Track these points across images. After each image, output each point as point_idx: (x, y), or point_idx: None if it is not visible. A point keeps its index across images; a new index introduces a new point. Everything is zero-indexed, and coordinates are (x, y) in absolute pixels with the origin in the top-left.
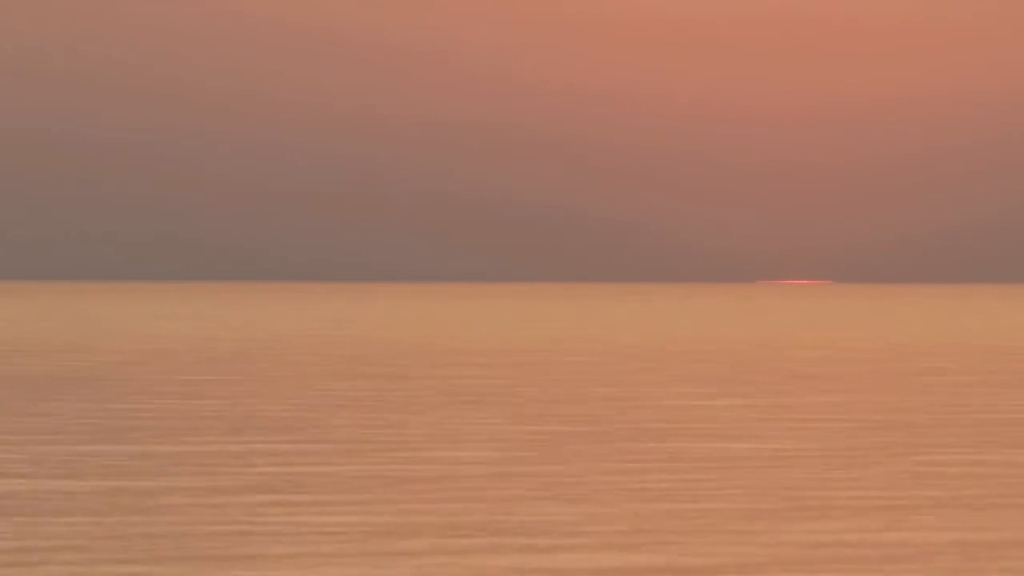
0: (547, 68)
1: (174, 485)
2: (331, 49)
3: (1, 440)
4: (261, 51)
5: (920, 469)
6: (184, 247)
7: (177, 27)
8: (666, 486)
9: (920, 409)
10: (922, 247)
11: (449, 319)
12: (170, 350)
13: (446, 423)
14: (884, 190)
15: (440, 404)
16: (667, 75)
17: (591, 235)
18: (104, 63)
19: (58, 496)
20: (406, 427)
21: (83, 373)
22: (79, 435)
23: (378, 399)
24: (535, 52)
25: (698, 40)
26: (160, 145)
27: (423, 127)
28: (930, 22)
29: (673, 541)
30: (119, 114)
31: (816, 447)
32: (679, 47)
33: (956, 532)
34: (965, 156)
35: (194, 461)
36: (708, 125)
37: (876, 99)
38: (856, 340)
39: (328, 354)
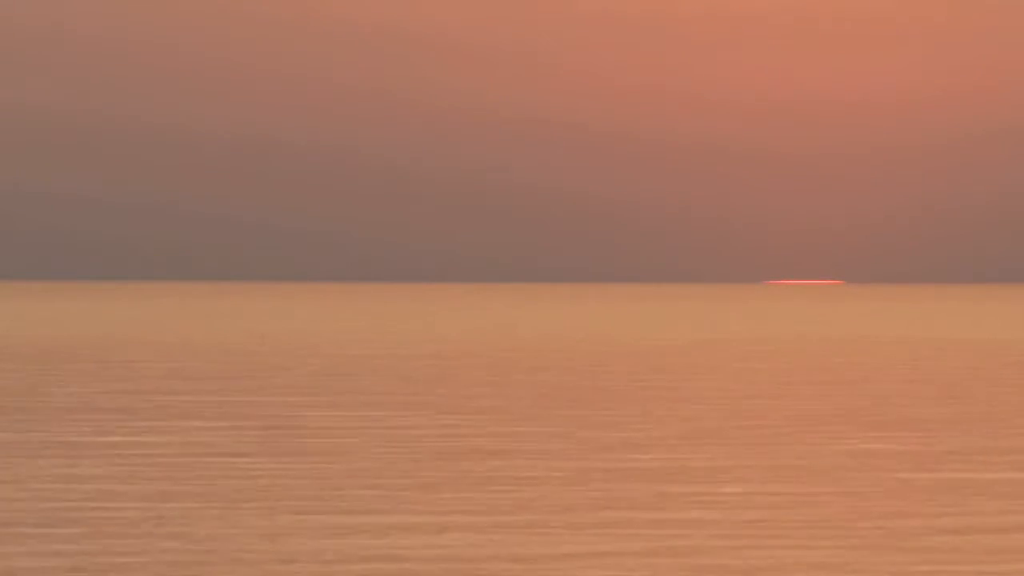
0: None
1: None
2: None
3: None
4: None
5: None
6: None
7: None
8: None
9: None
10: (932, 247)
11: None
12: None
13: None
14: (894, 189)
15: None
16: (673, 71)
17: (591, 236)
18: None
19: None
20: None
21: None
22: None
23: None
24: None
25: (710, 35)
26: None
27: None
28: (948, 20)
29: None
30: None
31: None
32: (690, 42)
33: None
34: (978, 155)
35: None
36: (714, 121)
37: (887, 95)
38: None
39: None
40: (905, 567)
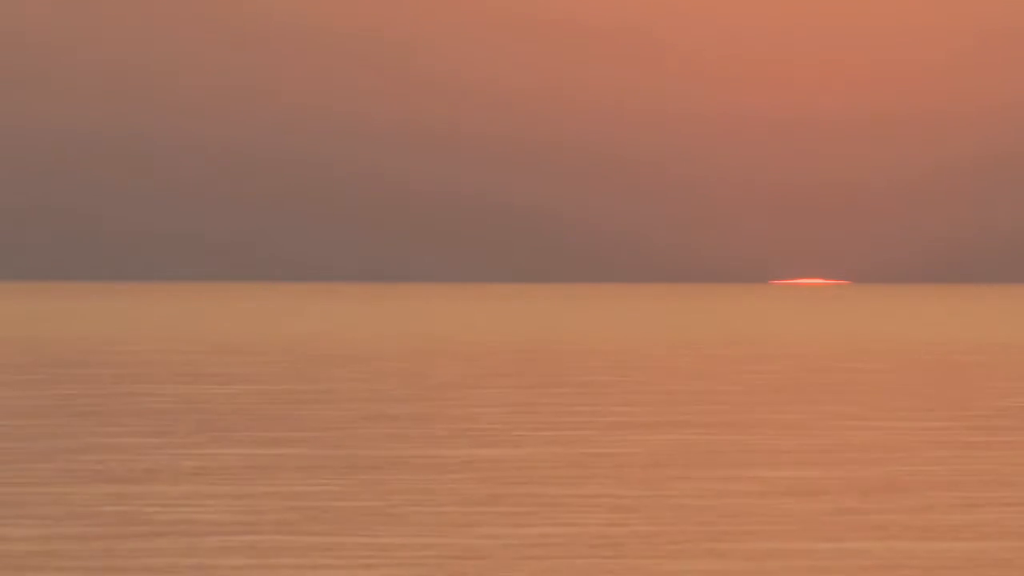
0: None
1: None
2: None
3: None
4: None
5: None
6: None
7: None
8: None
9: None
10: (938, 247)
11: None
12: None
13: None
14: (901, 186)
15: None
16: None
17: (589, 235)
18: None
19: None
20: None
21: None
22: None
23: None
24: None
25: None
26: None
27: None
28: (954, 7)
29: None
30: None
31: None
32: (690, 38)
33: None
34: (989, 143)
35: None
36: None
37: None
38: None
39: None
40: None
